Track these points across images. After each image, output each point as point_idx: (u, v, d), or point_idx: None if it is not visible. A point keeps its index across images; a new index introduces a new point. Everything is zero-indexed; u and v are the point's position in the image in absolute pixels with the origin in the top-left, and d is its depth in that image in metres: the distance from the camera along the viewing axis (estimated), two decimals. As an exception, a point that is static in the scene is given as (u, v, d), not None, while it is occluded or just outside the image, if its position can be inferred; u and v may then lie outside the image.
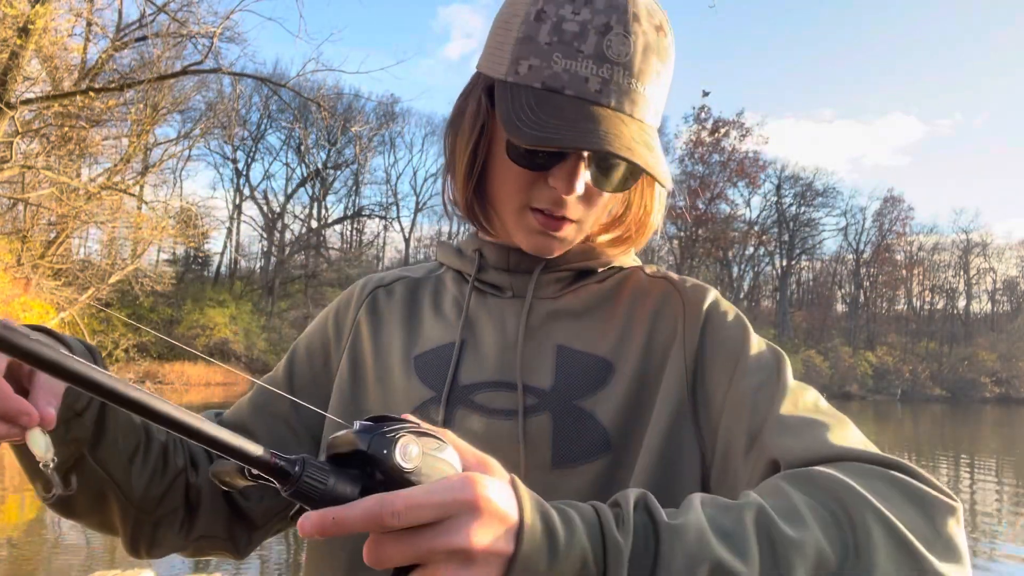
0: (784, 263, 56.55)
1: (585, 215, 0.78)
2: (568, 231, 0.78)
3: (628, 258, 0.88)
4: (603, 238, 0.86)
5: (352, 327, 0.89)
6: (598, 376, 0.77)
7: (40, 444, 0.58)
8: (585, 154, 0.73)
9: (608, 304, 0.82)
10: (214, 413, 0.89)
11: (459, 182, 0.82)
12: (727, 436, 0.71)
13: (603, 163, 0.73)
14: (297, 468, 0.45)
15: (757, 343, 0.77)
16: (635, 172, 0.75)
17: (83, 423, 0.68)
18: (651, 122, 0.74)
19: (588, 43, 0.69)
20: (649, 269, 0.88)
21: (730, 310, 0.81)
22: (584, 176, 0.74)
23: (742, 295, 57.80)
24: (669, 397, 0.75)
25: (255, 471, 0.46)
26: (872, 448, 0.69)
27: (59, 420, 0.61)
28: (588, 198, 0.77)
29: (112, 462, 0.72)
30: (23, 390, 0.59)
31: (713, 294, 0.82)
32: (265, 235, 45.89)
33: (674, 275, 0.85)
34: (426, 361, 0.82)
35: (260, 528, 0.86)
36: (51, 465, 0.60)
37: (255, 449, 0.45)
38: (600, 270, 0.85)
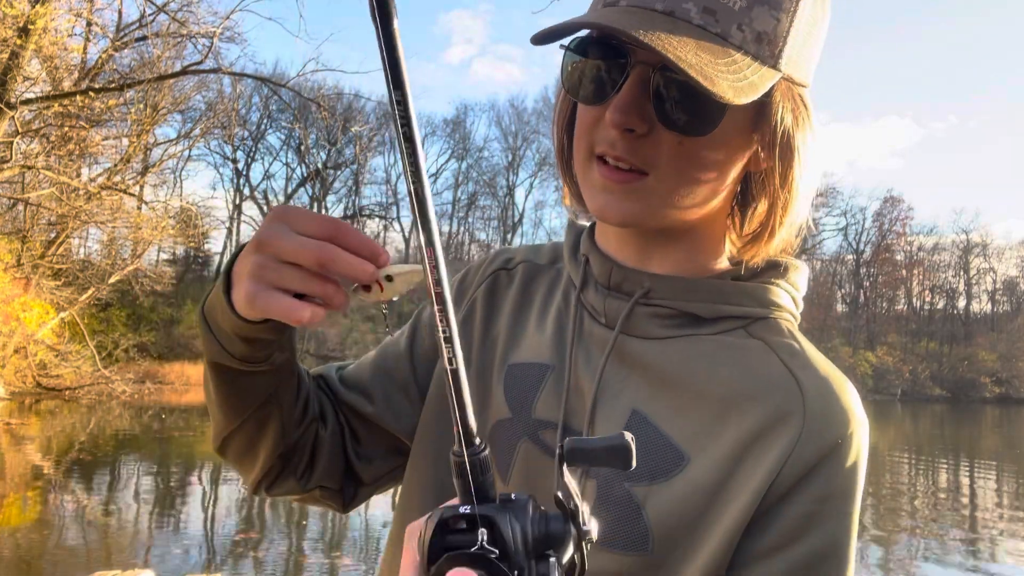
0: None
1: (661, 167, 0.62)
2: (638, 188, 0.63)
3: (780, 293, 0.71)
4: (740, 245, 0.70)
5: (469, 302, 0.84)
6: (663, 464, 0.65)
7: (407, 271, 0.57)
8: (647, 80, 0.60)
9: (711, 376, 0.67)
10: (336, 366, 0.88)
11: (555, 137, 0.73)
12: None
13: (671, 92, 0.59)
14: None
15: (845, 540, 0.63)
16: (715, 105, 0.58)
17: (287, 344, 0.69)
18: (741, 43, 0.59)
19: None
20: (783, 331, 0.70)
21: (850, 471, 0.64)
22: (646, 108, 0.61)
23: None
24: (731, 529, 0.63)
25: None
26: None
27: (276, 334, 0.64)
28: (660, 143, 0.62)
29: (286, 396, 0.72)
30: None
31: (849, 429, 0.64)
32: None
33: (812, 365, 0.67)
34: (516, 375, 0.76)
35: (367, 485, 0.86)
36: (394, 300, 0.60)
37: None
38: (716, 317, 0.69)
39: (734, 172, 0.66)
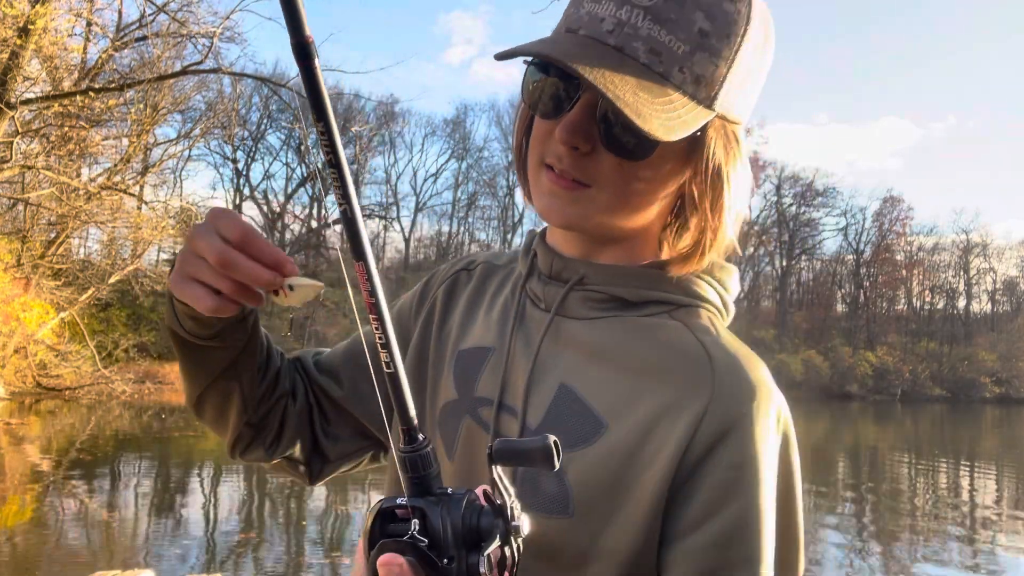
0: (784, 263, 56.54)
1: (600, 182, 0.69)
2: (579, 197, 0.70)
3: (705, 287, 0.77)
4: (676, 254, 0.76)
5: (431, 301, 0.92)
6: (585, 431, 0.70)
7: (308, 284, 0.63)
8: (595, 104, 0.66)
9: (632, 351, 0.72)
10: (314, 351, 0.96)
11: (515, 141, 0.79)
12: None
13: (615, 118, 0.65)
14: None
15: (758, 510, 0.66)
16: (648, 141, 0.64)
17: (245, 327, 0.77)
18: (680, 84, 0.65)
19: None
20: (703, 317, 0.75)
21: (759, 440, 0.67)
22: (591, 130, 0.67)
23: (742, 295, 57.74)
24: (650, 495, 0.66)
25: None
26: None
27: (230, 321, 0.74)
28: (601, 161, 0.68)
29: (245, 373, 0.80)
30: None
31: (755, 401, 0.68)
32: (265, 235, 45.83)
33: (724, 343, 0.72)
34: (464, 359, 0.83)
35: (332, 462, 0.92)
36: (297, 316, 0.66)
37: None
38: (643, 301, 0.75)
39: (668, 192, 0.73)
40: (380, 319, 0.53)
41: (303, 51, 0.45)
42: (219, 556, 5.93)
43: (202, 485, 9.29)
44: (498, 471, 0.55)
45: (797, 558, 0.72)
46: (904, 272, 58.21)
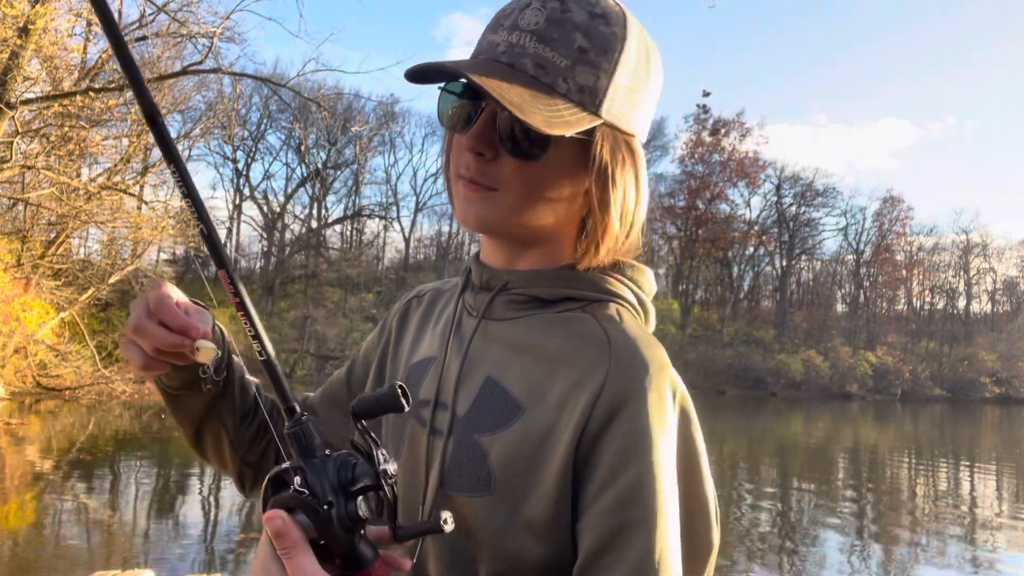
0: (784, 263, 56.54)
1: (504, 185, 0.76)
2: (489, 198, 0.77)
3: (617, 284, 0.83)
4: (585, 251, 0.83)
5: (387, 331, 1.01)
6: (504, 415, 0.77)
7: (209, 347, 0.75)
8: (495, 114, 0.75)
9: (546, 342, 0.79)
10: (303, 397, 1.04)
11: (442, 159, 0.87)
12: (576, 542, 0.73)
13: (510, 123, 0.73)
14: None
15: (653, 476, 0.69)
16: (544, 138, 0.72)
17: (216, 378, 0.88)
18: (566, 93, 0.73)
19: (510, 18, 0.75)
20: (612, 309, 0.81)
21: (653, 410, 0.72)
22: (492, 137, 0.75)
23: (742, 295, 57.77)
24: (558, 466, 0.72)
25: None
26: None
27: (198, 379, 0.87)
28: (503, 166, 0.76)
29: (227, 417, 0.91)
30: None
31: (648, 376, 0.73)
32: (265, 235, 45.90)
33: (625, 328, 0.78)
34: (412, 371, 0.91)
35: None
36: (210, 369, 0.83)
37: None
38: (558, 299, 0.82)
39: (569, 194, 0.79)
40: (247, 316, 0.66)
41: (152, 118, 0.61)
42: (219, 556, 5.93)
43: (202, 485, 9.29)
44: (362, 424, 0.66)
45: (707, 529, 0.76)
46: (904, 272, 58.21)
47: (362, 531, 0.63)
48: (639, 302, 0.85)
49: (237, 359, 0.93)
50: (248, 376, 0.94)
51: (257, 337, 0.66)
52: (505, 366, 0.80)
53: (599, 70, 0.74)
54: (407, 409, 0.65)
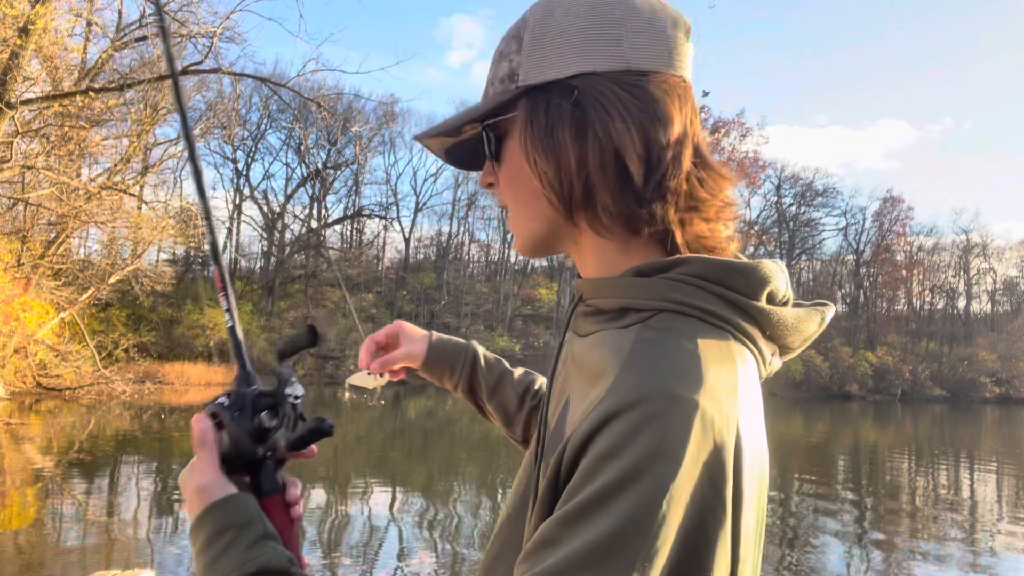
0: (784, 263, 56.54)
1: (506, 199, 0.75)
2: (510, 222, 0.76)
3: (692, 291, 0.65)
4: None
5: None
6: (554, 445, 0.68)
7: (369, 381, 1.15)
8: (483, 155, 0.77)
9: (588, 360, 0.69)
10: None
11: None
12: None
13: (473, 142, 0.75)
14: None
15: (605, 502, 0.54)
16: (493, 136, 0.72)
17: (464, 375, 1.15)
18: (492, 93, 0.72)
19: None
20: (667, 319, 0.64)
21: (640, 438, 0.55)
22: (487, 165, 0.77)
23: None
24: (544, 485, 0.63)
25: None
26: None
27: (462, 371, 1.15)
28: (499, 183, 0.76)
29: (479, 388, 1.16)
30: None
31: (643, 396, 0.57)
32: (265, 235, 45.90)
33: (658, 340, 0.62)
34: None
35: None
36: (379, 394, 1.10)
37: None
38: (618, 309, 0.69)
39: (534, 188, 0.71)
40: (224, 289, 0.82)
41: (197, 170, 0.86)
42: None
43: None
44: (284, 363, 0.80)
45: None
46: (904, 272, 58.20)
47: (276, 459, 0.75)
48: (731, 308, 0.64)
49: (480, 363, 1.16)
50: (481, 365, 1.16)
51: (229, 310, 0.83)
52: (574, 386, 0.70)
53: (513, 54, 0.69)
54: (317, 345, 0.78)
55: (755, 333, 0.65)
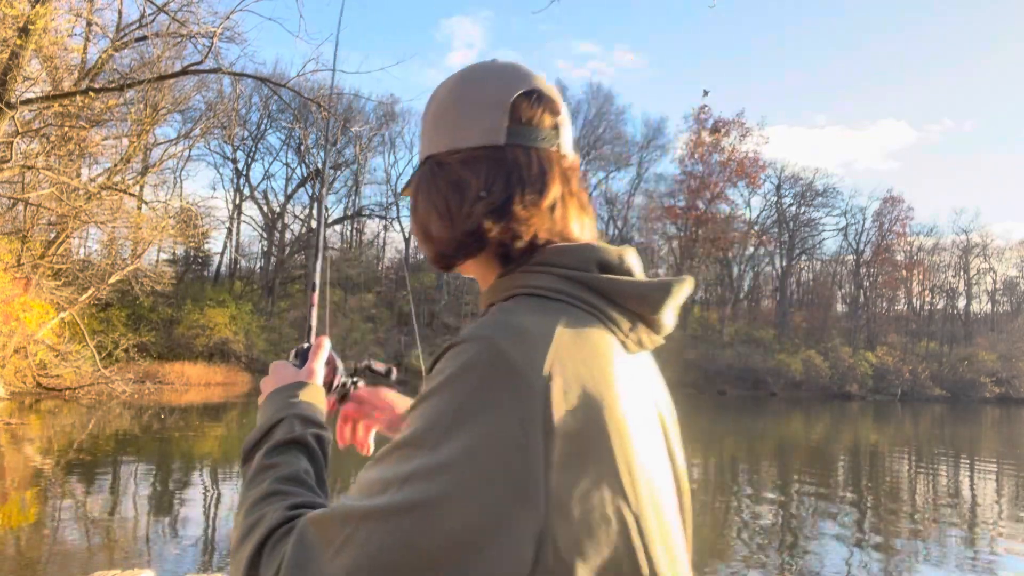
0: (784, 263, 56.54)
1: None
2: None
3: (521, 278, 0.79)
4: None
5: None
6: None
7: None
8: None
9: None
10: None
11: None
12: None
13: None
14: None
15: (420, 428, 0.64)
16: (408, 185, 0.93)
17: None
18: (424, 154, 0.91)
19: None
20: (526, 295, 0.77)
21: (449, 372, 0.66)
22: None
23: (742, 295, 57.76)
24: None
25: None
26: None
27: None
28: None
29: None
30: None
31: (460, 340, 0.68)
32: (265, 235, 45.89)
33: (486, 317, 0.72)
34: None
35: None
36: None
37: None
38: (483, 312, 0.80)
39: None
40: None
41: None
42: (219, 556, 5.93)
43: (202, 485, 9.30)
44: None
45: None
46: (904, 272, 58.21)
47: (349, 389, 1.12)
48: (566, 281, 0.76)
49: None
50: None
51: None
52: None
53: (427, 128, 0.91)
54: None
55: (595, 301, 0.76)
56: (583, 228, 0.85)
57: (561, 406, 0.64)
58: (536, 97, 0.85)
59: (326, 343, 1.06)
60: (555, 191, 0.82)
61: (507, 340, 0.66)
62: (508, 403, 0.63)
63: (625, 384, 0.71)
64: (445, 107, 0.87)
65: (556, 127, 0.85)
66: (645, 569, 0.65)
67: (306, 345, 1.07)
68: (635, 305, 0.76)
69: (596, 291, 0.76)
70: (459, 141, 0.84)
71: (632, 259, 0.80)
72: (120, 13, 21.31)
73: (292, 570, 0.63)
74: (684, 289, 0.79)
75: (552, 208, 0.81)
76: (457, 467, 0.61)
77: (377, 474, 0.65)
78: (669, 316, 0.78)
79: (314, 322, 1.17)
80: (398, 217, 49.17)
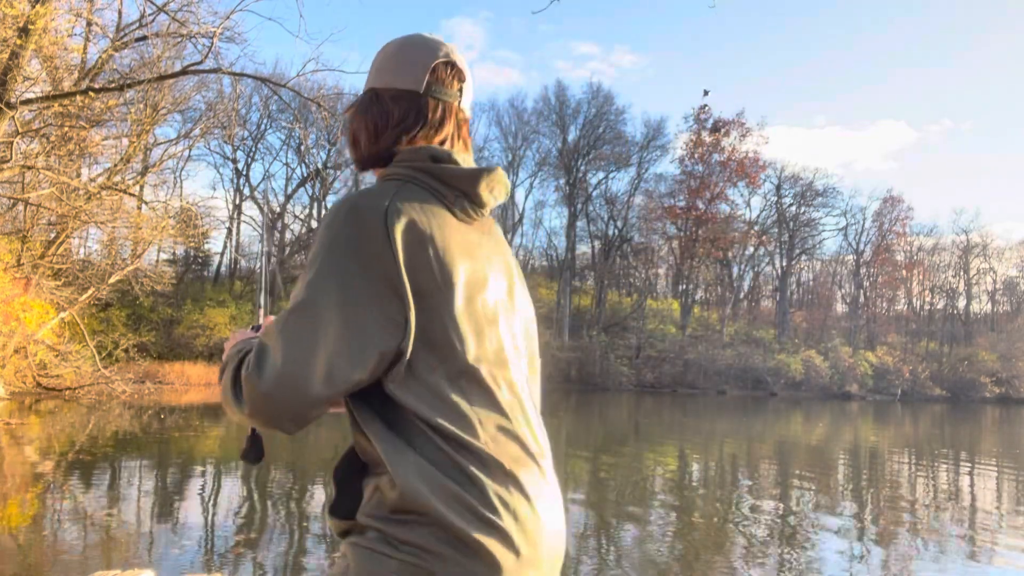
0: (784, 263, 56.54)
1: None
2: None
3: (387, 172, 1.16)
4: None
5: None
6: None
7: None
8: None
9: None
10: None
11: None
12: None
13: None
14: None
15: (304, 286, 1.00)
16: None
17: None
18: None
19: None
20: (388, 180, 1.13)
21: (321, 232, 1.03)
22: None
23: (742, 295, 57.76)
24: None
25: None
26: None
27: None
28: None
29: None
30: None
31: (330, 214, 1.03)
32: (265, 235, 45.85)
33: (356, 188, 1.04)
34: None
35: None
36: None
37: None
38: None
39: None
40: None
41: None
42: (219, 556, 5.93)
43: (202, 485, 9.30)
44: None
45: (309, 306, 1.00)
46: (904, 272, 58.23)
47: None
48: (410, 168, 1.10)
49: None
50: None
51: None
52: None
53: (377, 66, 1.25)
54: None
55: (428, 180, 1.09)
56: (463, 161, 1.14)
57: (399, 230, 0.99)
58: (451, 66, 1.20)
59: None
60: (448, 130, 1.17)
61: (360, 198, 1.02)
62: (362, 228, 0.99)
63: (453, 229, 1.05)
64: (390, 57, 1.21)
65: (461, 90, 1.21)
66: (457, 345, 1.02)
67: (260, 323, 1.41)
68: (457, 183, 1.09)
69: (428, 172, 1.09)
70: (394, 83, 1.19)
71: (460, 157, 1.12)
72: (120, 13, 21.32)
73: (254, 359, 0.99)
74: (497, 174, 1.12)
75: (443, 142, 1.16)
76: (332, 269, 0.98)
77: (292, 294, 1.02)
78: (486, 194, 1.11)
79: (263, 301, 1.57)
80: (398, 217, 49.13)
